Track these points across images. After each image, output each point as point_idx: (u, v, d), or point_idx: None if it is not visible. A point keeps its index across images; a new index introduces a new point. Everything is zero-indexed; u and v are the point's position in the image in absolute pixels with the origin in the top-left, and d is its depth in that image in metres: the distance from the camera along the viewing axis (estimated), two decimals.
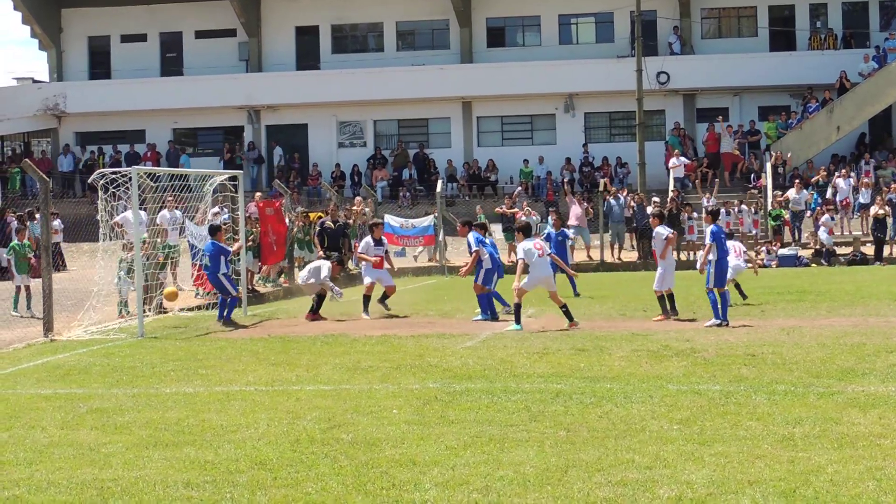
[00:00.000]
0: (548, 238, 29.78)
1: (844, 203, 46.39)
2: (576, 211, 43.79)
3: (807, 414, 12.76)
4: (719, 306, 22.31)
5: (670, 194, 47.23)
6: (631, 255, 44.73)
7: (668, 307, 23.86)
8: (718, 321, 22.06)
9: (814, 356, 17.39)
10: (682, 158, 51.65)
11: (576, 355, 18.13)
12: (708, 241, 22.78)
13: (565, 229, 32.75)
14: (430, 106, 59.05)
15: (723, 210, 41.72)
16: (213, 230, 25.94)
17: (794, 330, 20.97)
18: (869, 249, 42.92)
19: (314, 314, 25.81)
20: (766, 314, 24.21)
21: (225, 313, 25.16)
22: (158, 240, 28.75)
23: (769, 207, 45.63)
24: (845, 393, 14.07)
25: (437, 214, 43.81)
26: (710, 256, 22.43)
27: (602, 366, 16.92)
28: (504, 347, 19.40)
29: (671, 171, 51.30)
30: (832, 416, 12.60)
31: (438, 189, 46.96)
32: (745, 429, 12.08)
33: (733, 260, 31.33)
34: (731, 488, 9.71)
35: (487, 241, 25.62)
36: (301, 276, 27.49)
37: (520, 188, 52.12)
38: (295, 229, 35.29)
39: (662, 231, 24.17)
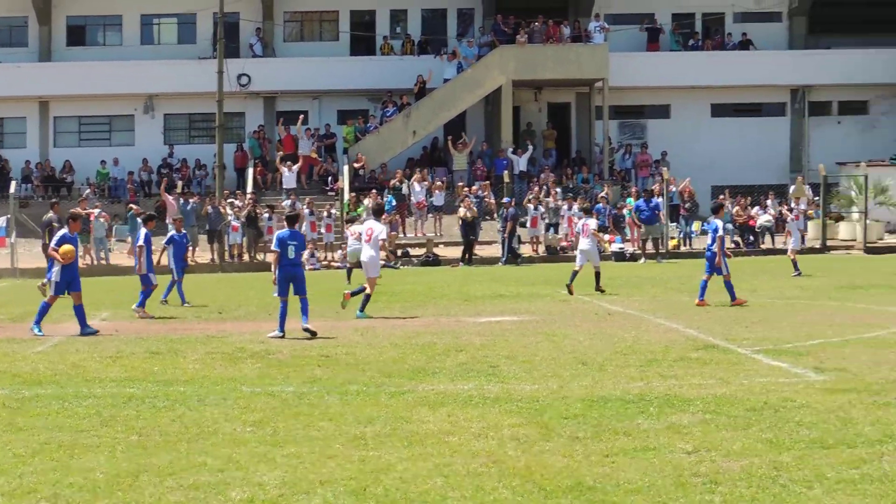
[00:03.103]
0: (170, 241, 28.97)
1: (419, 205, 47.48)
2: (172, 210, 42.89)
3: (378, 413, 13.02)
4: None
5: (249, 195, 47.38)
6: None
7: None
8: (281, 333, 20.67)
9: (386, 356, 17.80)
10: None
11: (149, 359, 17.90)
12: (274, 246, 21.20)
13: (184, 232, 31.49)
14: (5, 105, 56.72)
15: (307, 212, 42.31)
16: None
17: (368, 330, 21.37)
18: (443, 251, 44.24)
19: None
20: (339, 315, 24.44)
21: None
22: None
23: (346, 210, 46.36)
24: (416, 392, 14.44)
25: (9, 216, 42.47)
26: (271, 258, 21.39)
27: (176, 369, 16.77)
28: (76, 352, 18.91)
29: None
30: (402, 415, 12.90)
31: (12, 190, 45.51)
32: (317, 429, 12.21)
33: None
34: (302, 488, 9.79)
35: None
36: None
37: (88, 190, 50.51)
38: None
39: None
